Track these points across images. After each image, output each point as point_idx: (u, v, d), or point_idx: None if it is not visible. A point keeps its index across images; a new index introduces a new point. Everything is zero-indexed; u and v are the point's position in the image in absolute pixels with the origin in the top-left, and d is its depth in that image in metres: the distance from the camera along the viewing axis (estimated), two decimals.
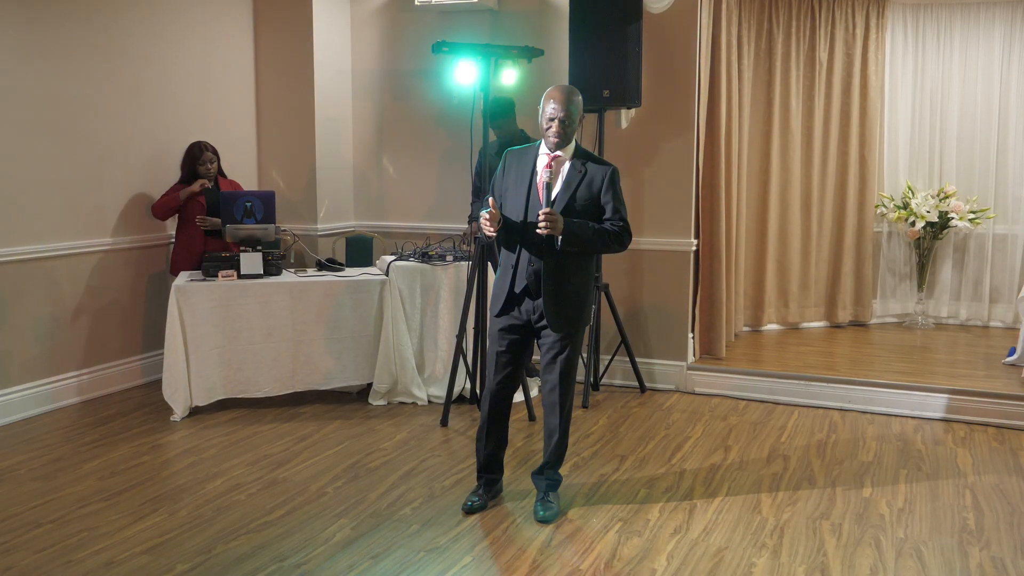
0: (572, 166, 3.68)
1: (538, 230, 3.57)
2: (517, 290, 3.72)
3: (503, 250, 3.80)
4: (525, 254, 3.69)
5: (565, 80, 5.59)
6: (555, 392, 3.78)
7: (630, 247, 5.78)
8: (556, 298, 3.67)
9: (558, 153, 3.68)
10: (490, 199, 3.67)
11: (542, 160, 3.70)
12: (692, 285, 5.90)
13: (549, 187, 3.61)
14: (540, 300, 3.69)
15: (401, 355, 5.44)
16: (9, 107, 5.02)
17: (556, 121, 3.61)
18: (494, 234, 3.64)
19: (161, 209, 5.68)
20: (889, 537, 3.66)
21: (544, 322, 3.72)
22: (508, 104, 5.64)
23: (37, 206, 5.21)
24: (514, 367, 3.84)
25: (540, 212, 3.55)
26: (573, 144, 3.72)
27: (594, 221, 3.68)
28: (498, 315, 3.78)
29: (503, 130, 5.62)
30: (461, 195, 6.34)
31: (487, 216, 3.61)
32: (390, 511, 3.89)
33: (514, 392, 3.93)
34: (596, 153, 5.66)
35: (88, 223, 5.53)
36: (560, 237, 3.58)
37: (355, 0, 6.76)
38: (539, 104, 3.71)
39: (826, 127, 7.02)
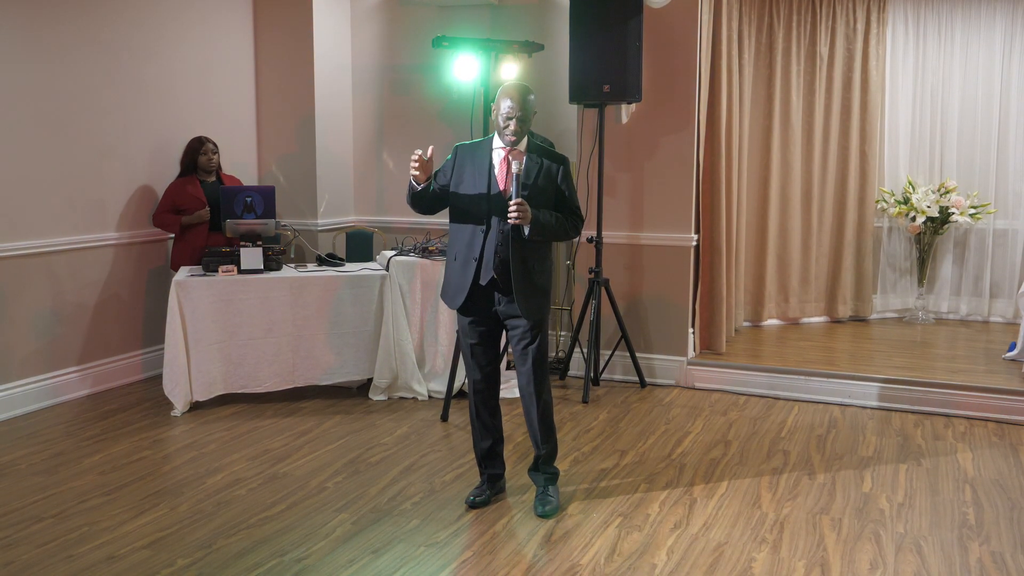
0: (529, 158, 3.76)
1: (509, 220, 3.61)
2: (483, 282, 3.75)
3: (456, 243, 3.81)
4: (490, 246, 3.73)
5: (565, 75, 5.60)
6: (531, 383, 3.80)
7: (630, 241, 5.86)
8: (525, 286, 3.73)
9: (515, 148, 3.74)
10: (431, 148, 3.72)
11: (498, 154, 3.75)
12: (692, 280, 5.90)
13: (518, 178, 3.65)
14: (507, 290, 3.73)
15: (401, 350, 5.44)
16: (10, 102, 5.01)
17: (514, 120, 3.67)
18: (418, 175, 3.67)
19: (162, 227, 5.70)
20: (889, 532, 3.66)
21: (512, 312, 3.76)
22: None
23: (38, 201, 5.21)
24: (491, 358, 3.88)
25: (512, 202, 3.60)
26: (526, 137, 3.79)
27: (550, 209, 3.76)
28: (461, 309, 3.81)
29: None
30: None
31: (418, 156, 3.65)
32: (390, 506, 3.90)
33: (498, 384, 3.95)
34: (596, 148, 5.67)
35: (89, 218, 5.53)
36: (527, 227, 3.65)
37: None
38: (492, 100, 3.80)
39: (827, 122, 7.01)
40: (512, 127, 3.67)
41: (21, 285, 5.15)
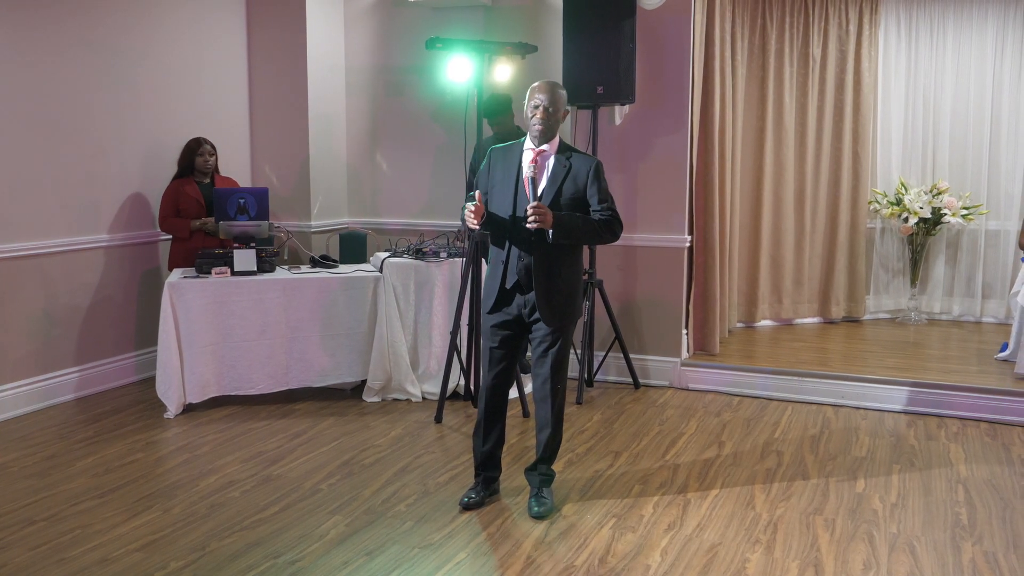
0: (557, 160, 3.71)
1: (527, 224, 3.58)
2: (508, 286, 3.74)
3: (492, 247, 3.82)
4: (515, 250, 3.71)
5: (559, 77, 5.59)
6: (546, 385, 3.79)
7: (624, 243, 5.86)
8: (547, 292, 3.70)
9: (543, 148, 3.71)
10: (476, 192, 3.67)
11: (527, 156, 3.72)
12: (686, 281, 5.90)
13: (534, 182, 3.63)
14: (531, 295, 3.70)
15: (395, 352, 5.44)
16: (2, 104, 5.00)
17: (541, 108, 3.65)
18: (476, 226, 3.65)
19: (171, 231, 5.66)
20: (882, 532, 3.67)
21: (535, 316, 3.74)
22: (506, 100, 5.66)
23: (31, 202, 5.19)
24: (508, 363, 3.85)
25: (528, 206, 3.57)
26: (557, 139, 3.75)
27: (581, 212, 3.71)
28: (490, 312, 3.80)
29: (502, 127, 5.65)
30: (455, 191, 6.34)
31: (472, 208, 3.63)
32: (384, 508, 3.89)
33: (509, 388, 3.94)
34: (590, 150, 5.67)
35: (82, 220, 5.51)
36: (551, 231, 3.60)
37: None
38: (524, 99, 3.76)
39: (819, 124, 7.03)
40: (539, 115, 3.64)
41: (14, 287, 5.13)
